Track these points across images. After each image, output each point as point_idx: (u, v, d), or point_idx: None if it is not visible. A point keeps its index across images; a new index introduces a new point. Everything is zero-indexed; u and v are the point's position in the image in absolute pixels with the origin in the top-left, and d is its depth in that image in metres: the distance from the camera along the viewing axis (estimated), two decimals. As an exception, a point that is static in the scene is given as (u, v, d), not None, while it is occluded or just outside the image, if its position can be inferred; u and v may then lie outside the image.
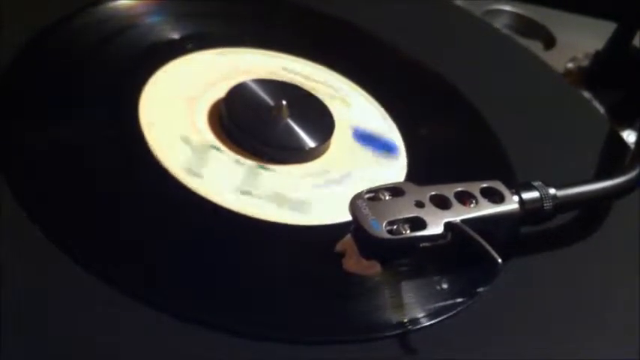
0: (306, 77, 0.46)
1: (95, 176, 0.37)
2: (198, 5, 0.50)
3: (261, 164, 0.40)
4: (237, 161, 0.39)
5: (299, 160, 0.41)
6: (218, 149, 0.40)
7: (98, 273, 0.32)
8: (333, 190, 0.40)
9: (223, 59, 0.46)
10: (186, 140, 0.39)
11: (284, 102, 0.41)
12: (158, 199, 0.37)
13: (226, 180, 0.38)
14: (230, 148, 0.40)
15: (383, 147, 0.44)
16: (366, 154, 0.43)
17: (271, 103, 0.42)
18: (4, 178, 0.34)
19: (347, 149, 0.43)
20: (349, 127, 0.44)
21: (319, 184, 0.40)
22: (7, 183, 0.34)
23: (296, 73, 0.46)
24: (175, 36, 0.46)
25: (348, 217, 0.35)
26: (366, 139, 0.44)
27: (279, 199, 0.38)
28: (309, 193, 0.39)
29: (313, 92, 0.45)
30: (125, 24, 0.46)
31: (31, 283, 0.31)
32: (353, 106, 0.46)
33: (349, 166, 0.42)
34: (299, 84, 0.45)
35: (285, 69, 0.46)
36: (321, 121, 0.43)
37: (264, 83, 0.43)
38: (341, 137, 0.43)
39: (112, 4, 0.46)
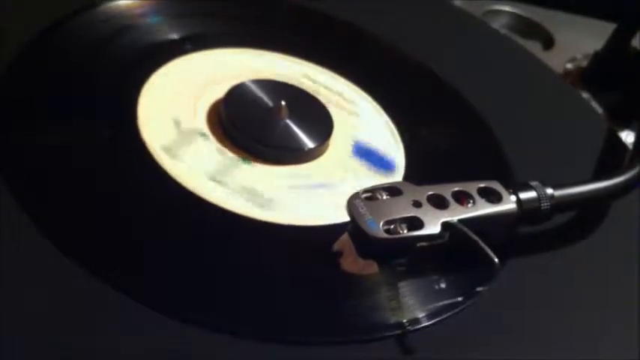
0: (311, 80, 0.47)
1: (94, 176, 0.37)
2: (197, 5, 0.50)
3: (245, 158, 0.40)
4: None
5: (295, 161, 0.41)
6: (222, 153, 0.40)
7: (98, 273, 0.32)
8: (307, 193, 0.39)
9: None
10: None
11: (283, 102, 0.41)
12: (156, 199, 0.37)
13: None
14: (228, 147, 0.40)
15: (380, 164, 0.43)
16: (361, 167, 0.42)
17: (270, 103, 0.42)
18: (3, 178, 0.34)
19: (342, 159, 0.42)
20: (352, 140, 0.44)
21: (295, 186, 0.40)
22: (6, 183, 0.34)
23: (297, 76, 0.47)
24: (175, 36, 0.46)
25: (315, 220, 0.36)
26: (365, 153, 0.43)
27: (248, 193, 0.38)
28: (280, 193, 0.39)
29: (317, 96, 0.45)
30: (125, 24, 0.46)
31: (31, 283, 0.31)
32: (360, 117, 0.46)
33: (334, 175, 0.41)
34: (302, 87, 0.45)
35: (287, 71, 0.47)
36: (320, 122, 0.43)
37: (264, 84, 0.43)
38: (341, 146, 0.43)
39: (111, 4, 0.46)
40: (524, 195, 0.38)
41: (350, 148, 0.43)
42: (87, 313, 0.31)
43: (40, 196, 0.35)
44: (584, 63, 0.62)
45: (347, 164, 0.42)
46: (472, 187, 0.37)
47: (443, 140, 0.46)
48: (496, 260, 0.34)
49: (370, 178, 0.41)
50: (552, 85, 0.55)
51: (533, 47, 0.63)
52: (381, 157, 0.43)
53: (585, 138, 0.50)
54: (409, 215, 0.35)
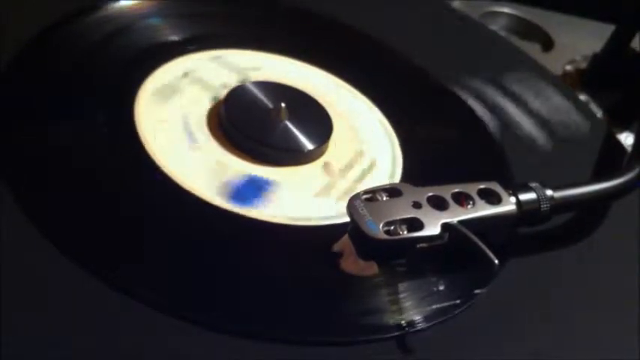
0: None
1: (94, 176, 0.37)
2: (197, 6, 0.50)
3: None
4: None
5: (299, 162, 0.41)
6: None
7: (98, 273, 0.32)
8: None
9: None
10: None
11: (283, 104, 0.41)
12: (156, 199, 0.37)
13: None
14: (229, 150, 0.40)
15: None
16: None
17: (270, 105, 0.42)
18: (3, 178, 0.34)
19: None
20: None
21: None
22: (7, 183, 0.34)
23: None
24: (175, 37, 0.46)
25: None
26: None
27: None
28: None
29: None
30: (125, 24, 0.46)
31: (31, 283, 0.31)
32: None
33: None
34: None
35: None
36: (319, 122, 0.43)
37: (263, 85, 0.43)
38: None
39: (111, 5, 0.46)
40: (524, 196, 0.38)
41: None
42: (87, 313, 0.31)
43: (40, 196, 0.35)
44: (584, 65, 0.62)
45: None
46: (472, 189, 0.37)
47: (442, 141, 0.46)
48: (496, 261, 0.34)
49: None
50: (552, 87, 0.55)
51: (533, 49, 0.63)
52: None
53: (584, 140, 0.50)
54: (409, 216, 0.35)
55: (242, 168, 0.39)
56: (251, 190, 0.39)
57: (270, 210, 0.38)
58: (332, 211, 0.38)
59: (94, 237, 0.34)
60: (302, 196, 0.39)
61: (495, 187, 0.38)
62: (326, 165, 0.41)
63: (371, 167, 0.42)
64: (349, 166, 0.42)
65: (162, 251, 0.35)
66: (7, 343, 0.28)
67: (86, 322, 0.30)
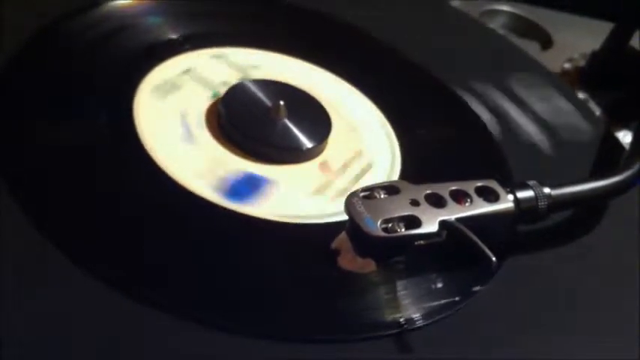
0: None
1: (93, 176, 0.37)
2: (196, 5, 0.50)
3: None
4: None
5: (297, 160, 0.41)
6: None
7: (97, 273, 0.32)
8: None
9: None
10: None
11: (281, 102, 0.41)
12: (155, 198, 0.37)
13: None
14: (228, 148, 0.40)
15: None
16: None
17: (269, 103, 0.42)
18: (3, 178, 0.34)
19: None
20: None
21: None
22: (6, 183, 0.34)
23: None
24: (173, 35, 0.46)
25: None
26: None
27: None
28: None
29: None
30: (123, 24, 0.46)
31: (31, 283, 0.31)
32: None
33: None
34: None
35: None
36: (318, 121, 0.43)
37: (262, 83, 0.44)
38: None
39: (111, 4, 0.46)
40: (522, 194, 0.38)
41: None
42: (87, 313, 0.31)
43: (40, 197, 0.35)
44: (582, 63, 0.62)
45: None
46: (470, 186, 0.37)
47: (441, 140, 0.46)
48: (493, 259, 0.34)
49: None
50: (550, 85, 0.55)
51: (532, 47, 0.63)
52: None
53: (583, 138, 0.50)
54: (407, 214, 0.35)
55: (240, 166, 0.39)
56: (247, 187, 0.39)
57: (267, 208, 0.38)
58: (330, 209, 0.38)
59: (94, 237, 0.34)
60: (300, 194, 0.39)
61: (493, 184, 0.38)
62: (322, 165, 0.41)
63: (369, 166, 0.43)
64: (347, 165, 0.42)
65: (163, 251, 0.35)
66: (7, 343, 0.28)
67: (86, 321, 0.30)
